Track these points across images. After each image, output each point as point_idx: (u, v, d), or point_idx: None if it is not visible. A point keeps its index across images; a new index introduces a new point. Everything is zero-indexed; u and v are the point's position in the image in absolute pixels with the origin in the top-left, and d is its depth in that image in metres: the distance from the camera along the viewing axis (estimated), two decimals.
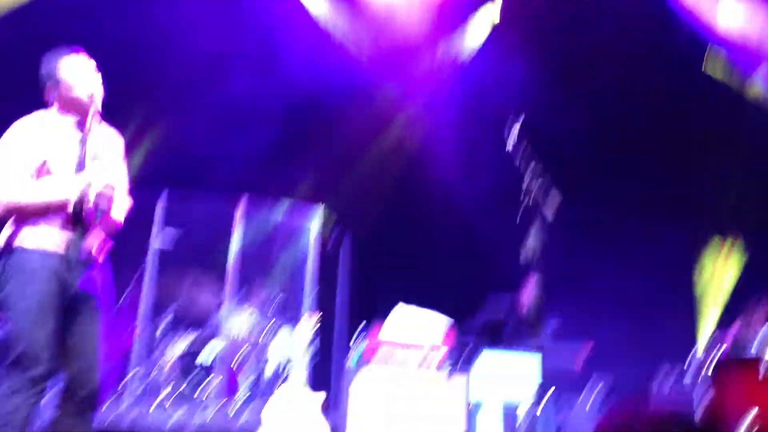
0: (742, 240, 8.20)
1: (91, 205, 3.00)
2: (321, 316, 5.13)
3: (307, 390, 4.50)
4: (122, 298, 6.26)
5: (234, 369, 5.71)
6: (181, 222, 5.99)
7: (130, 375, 5.62)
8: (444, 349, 4.77)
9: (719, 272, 8.29)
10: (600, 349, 6.05)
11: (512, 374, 4.95)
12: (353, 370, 4.68)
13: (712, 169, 7.41)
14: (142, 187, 6.64)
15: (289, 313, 6.30)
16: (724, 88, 7.79)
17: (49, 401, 3.01)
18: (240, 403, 5.57)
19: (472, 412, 4.61)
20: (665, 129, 7.56)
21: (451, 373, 4.62)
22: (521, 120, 3.59)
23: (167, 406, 5.25)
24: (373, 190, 7.98)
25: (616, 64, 7.31)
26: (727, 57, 7.83)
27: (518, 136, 3.58)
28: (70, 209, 2.99)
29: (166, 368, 5.65)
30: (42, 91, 3.18)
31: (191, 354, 5.73)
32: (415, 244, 7.90)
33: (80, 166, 3.06)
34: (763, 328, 6.03)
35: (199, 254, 6.25)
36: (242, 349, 5.77)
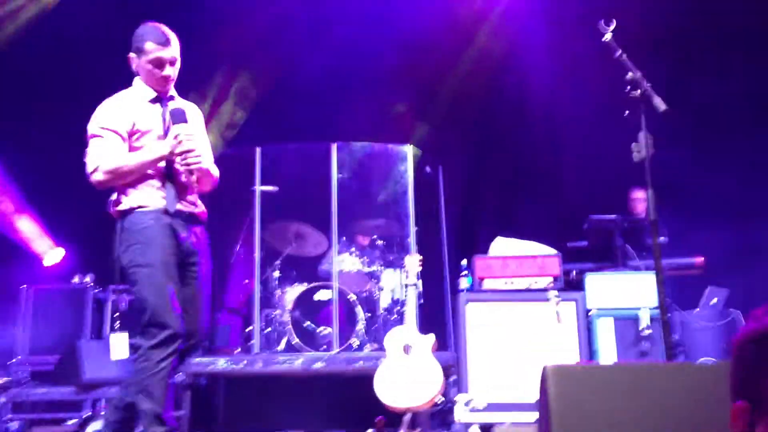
0: None
1: (182, 164, 3.25)
2: (424, 256, 5.16)
3: (417, 332, 4.57)
4: (233, 256, 6.52)
5: (345, 316, 5.85)
6: (278, 178, 6.12)
7: (250, 328, 5.87)
8: (551, 279, 4.73)
9: None
10: (711, 262, 5.86)
11: (624, 295, 4.85)
12: (465, 294, 4.72)
13: None
14: (236, 147, 6.86)
15: (393, 256, 6.39)
16: None
17: None
18: (354, 348, 5.73)
19: (585, 336, 4.57)
20: None
21: (561, 299, 4.58)
22: (613, 24, 3.39)
23: (285, 355, 5.45)
24: (462, 122, 7.85)
25: None
26: None
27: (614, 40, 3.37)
28: (167, 163, 3.27)
29: (282, 319, 5.86)
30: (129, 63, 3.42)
31: (303, 305, 5.90)
32: (509, 173, 7.76)
33: (165, 135, 3.33)
34: None
35: (298, 207, 6.40)
36: (351, 297, 5.90)
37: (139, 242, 3.19)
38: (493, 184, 7.77)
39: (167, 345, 3.10)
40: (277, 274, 6.23)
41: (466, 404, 4.39)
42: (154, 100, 3.39)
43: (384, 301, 6.15)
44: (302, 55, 7.50)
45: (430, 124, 7.83)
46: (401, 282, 5.95)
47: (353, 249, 6.38)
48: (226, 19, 7.20)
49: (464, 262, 4.98)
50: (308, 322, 5.86)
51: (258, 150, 6.04)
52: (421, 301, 5.38)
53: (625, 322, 4.74)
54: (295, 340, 5.73)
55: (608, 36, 3.37)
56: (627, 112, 3.28)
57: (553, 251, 4.90)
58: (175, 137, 3.23)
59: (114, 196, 3.33)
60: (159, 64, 3.33)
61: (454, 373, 4.62)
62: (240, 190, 6.13)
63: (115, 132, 3.27)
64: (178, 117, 3.29)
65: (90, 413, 5.01)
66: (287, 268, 6.37)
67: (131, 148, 3.29)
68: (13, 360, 5.87)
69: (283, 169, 6.22)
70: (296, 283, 6.11)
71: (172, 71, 3.37)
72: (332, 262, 6.13)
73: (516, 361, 4.50)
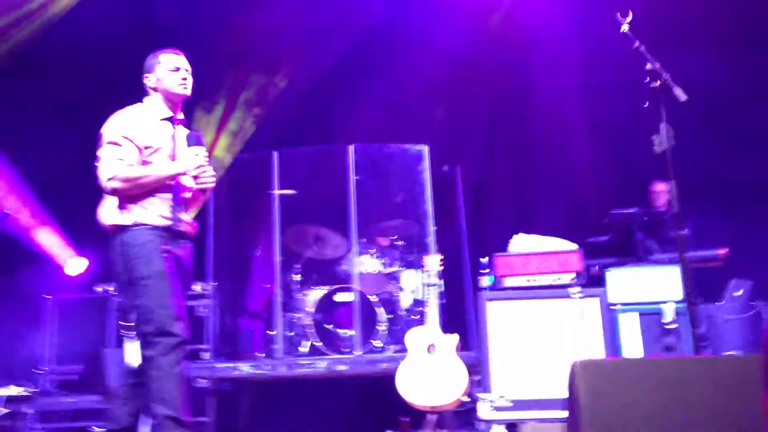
0: None
1: (198, 183, 3.38)
2: (443, 255, 5.15)
3: (440, 331, 4.56)
4: (253, 260, 6.54)
5: (366, 318, 5.84)
6: (295, 182, 6.14)
7: (274, 332, 5.88)
8: (573, 275, 4.70)
9: None
10: (735, 254, 5.80)
11: (648, 290, 4.81)
12: (487, 292, 4.71)
13: None
14: (253, 152, 6.87)
15: (413, 256, 6.37)
16: None
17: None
18: (377, 349, 5.73)
19: (610, 332, 4.54)
20: None
21: (583, 295, 4.55)
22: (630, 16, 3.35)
23: (308, 358, 5.46)
24: (478, 119, 7.82)
25: None
26: None
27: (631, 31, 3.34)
28: (186, 181, 3.38)
29: (304, 322, 5.87)
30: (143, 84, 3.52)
31: (325, 307, 5.91)
32: (526, 169, 7.71)
33: (172, 157, 3.43)
34: None
35: (317, 210, 6.41)
36: (372, 298, 5.90)
37: (142, 255, 3.24)
38: (511, 180, 7.72)
39: (176, 352, 3.18)
40: (297, 277, 6.24)
41: (491, 402, 4.37)
42: (165, 119, 3.47)
43: (405, 302, 6.14)
44: (317, 58, 7.51)
45: (448, 127, 7.80)
46: (422, 282, 5.94)
47: (373, 250, 6.37)
48: (239, 24, 7.22)
49: (485, 260, 4.96)
50: (330, 326, 5.86)
51: (275, 154, 6.08)
52: (443, 300, 5.37)
53: (649, 317, 4.71)
54: (318, 343, 5.74)
55: (625, 27, 3.34)
56: (647, 103, 3.26)
57: (574, 246, 4.86)
58: (196, 155, 3.33)
59: (110, 209, 3.36)
60: (177, 68, 3.46)
61: (477, 372, 4.61)
62: (258, 194, 6.16)
63: (133, 142, 3.32)
64: (195, 140, 3.38)
65: None
66: (307, 271, 6.38)
67: (142, 163, 3.35)
68: (40, 371, 5.92)
69: (301, 172, 6.24)
70: (317, 287, 6.12)
71: (188, 77, 3.49)
72: (352, 264, 6.13)
73: (539, 358, 4.47)
